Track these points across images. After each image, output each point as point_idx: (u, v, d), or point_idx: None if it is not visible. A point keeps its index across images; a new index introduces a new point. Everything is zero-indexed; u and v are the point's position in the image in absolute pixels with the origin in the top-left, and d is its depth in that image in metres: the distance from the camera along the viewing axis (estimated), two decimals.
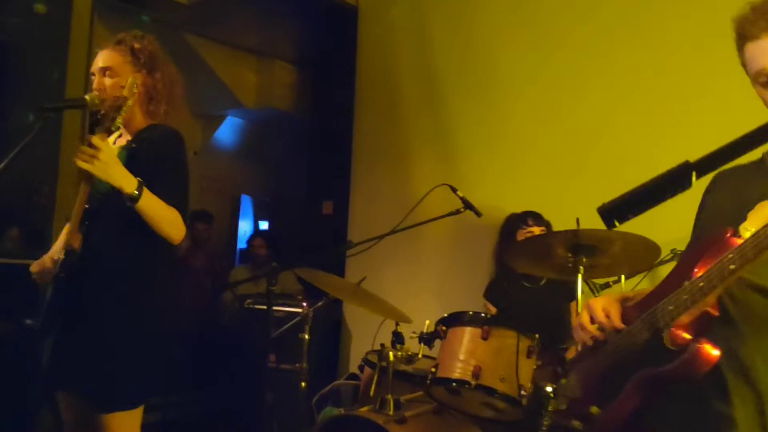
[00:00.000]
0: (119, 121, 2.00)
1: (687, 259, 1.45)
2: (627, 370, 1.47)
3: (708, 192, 1.60)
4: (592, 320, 1.57)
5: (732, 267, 1.25)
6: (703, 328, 1.34)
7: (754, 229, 1.30)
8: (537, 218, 3.36)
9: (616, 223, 0.93)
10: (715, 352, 1.31)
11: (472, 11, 4.24)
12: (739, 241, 1.30)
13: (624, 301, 1.60)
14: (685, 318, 1.35)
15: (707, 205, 1.60)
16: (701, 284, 1.31)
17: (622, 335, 1.52)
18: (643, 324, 1.46)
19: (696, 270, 1.35)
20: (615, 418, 1.49)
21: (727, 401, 1.37)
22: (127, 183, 1.95)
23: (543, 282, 3.32)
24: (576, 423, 1.58)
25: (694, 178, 0.90)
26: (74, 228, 2.03)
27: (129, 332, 2.07)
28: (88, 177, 1.97)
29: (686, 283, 1.36)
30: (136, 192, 1.94)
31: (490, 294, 3.54)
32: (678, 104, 3.35)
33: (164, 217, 2.02)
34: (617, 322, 1.52)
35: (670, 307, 1.38)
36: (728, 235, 1.34)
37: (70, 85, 4.16)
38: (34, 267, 2.18)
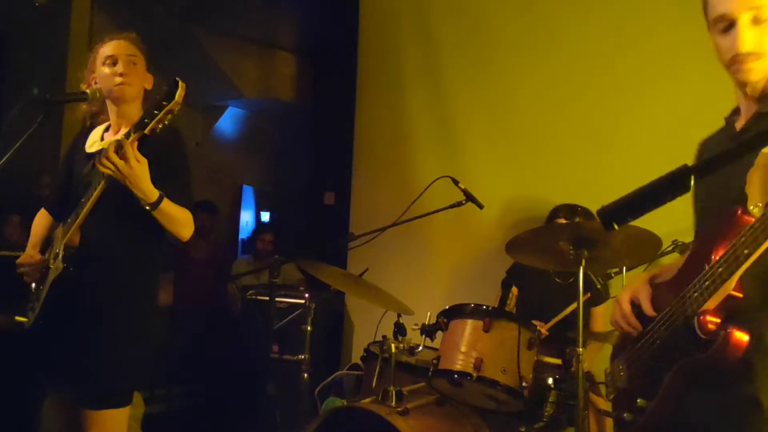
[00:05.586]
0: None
1: (704, 240, 1.46)
2: (665, 361, 1.48)
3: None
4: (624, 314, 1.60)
5: (746, 251, 1.27)
6: (730, 311, 1.35)
7: (762, 205, 1.33)
8: (570, 212, 3.19)
9: (615, 226, 0.93)
10: (744, 338, 1.32)
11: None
12: (750, 219, 1.32)
13: (653, 279, 1.63)
14: (711, 303, 1.36)
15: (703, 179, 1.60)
16: (720, 270, 1.33)
17: (658, 323, 1.53)
18: (673, 311, 1.48)
19: (714, 253, 1.37)
20: (660, 410, 1.50)
21: (753, 384, 1.37)
22: (149, 196, 1.96)
23: (571, 280, 3.07)
24: (627, 415, 1.60)
25: (692, 182, 0.91)
26: (79, 224, 2.04)
27: (122, 329, 2.08)
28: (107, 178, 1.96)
29: (706, 266, 1.37)
30: (151, 207, 1.97)
31: (514, 275, 3.35)
32: (693, 91, 3.18)
33: (179, 220, 2.06)
34: (648, 310, 1.55)
35: (695, 294, 1.39)
36: (739, 213, 1.36)
37: (70, 75, 4.15)
38: (23, 259, 2.19)
